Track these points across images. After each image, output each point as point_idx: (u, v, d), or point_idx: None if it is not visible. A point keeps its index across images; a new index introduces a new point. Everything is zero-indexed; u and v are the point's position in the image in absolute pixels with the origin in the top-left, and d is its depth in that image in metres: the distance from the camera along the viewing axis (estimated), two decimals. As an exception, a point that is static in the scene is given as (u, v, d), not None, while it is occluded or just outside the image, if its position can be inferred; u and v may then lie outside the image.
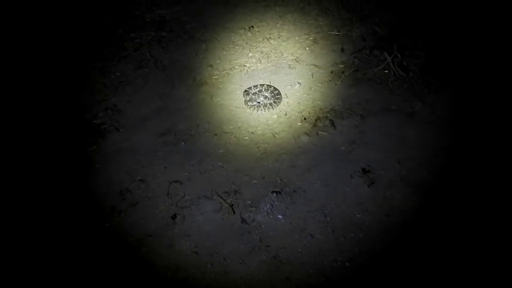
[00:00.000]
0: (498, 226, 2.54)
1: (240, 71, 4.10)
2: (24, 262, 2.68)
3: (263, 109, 3.63)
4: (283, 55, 4.24)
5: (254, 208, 2.88)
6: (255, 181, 3.09)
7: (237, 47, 4.35)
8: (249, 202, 2.94)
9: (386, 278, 2.41)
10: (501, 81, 3.45)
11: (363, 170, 3.02)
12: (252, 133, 3.47)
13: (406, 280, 2.39)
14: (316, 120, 3.49)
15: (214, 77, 4.05)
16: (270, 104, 3.65)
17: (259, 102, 3.69)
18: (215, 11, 4.79)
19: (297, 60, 4.15)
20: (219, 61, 4.20)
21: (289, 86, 3.87)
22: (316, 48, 4.29)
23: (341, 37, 4.37)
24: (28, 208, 2.99)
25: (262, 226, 2.78)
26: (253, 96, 3.74)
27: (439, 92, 3.59)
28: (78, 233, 2.84)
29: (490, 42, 3.75)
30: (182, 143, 3.43)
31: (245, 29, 4.49)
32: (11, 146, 3.40)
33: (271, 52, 4.27)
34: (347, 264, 2.51)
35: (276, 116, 3.61)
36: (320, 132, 3.39)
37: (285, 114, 3.61)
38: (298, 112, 3.60)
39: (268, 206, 2.86)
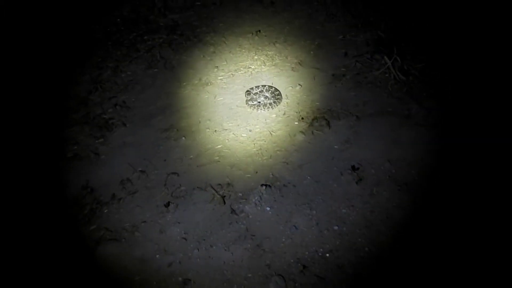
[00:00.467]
0: (481, 226, 2.55)
1: (245, 72, 4.25)
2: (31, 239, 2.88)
3: (263, 109, 3.76)
4: (287, 58, 4.37)
5: (244, 200, 2.99)
6: (249, 175, 3.20)
7: (243, 50, 4.51)
8: (240, 194, 3.05)
9: (365, 269, 2.45)
10: (496, 87, 3.45)
11: (353, 167, 3.08)
12: (250, 130, 3.59)
13: (384, 272, 2.42)
14: (313, 120, 3.58)
15: (219, 77, 4.22)
16: (270, 104, 3.77)
17: (259, 102, 3.82)
18: (225, 17, 5.00)
19: (301, 63, 4.27)
20: (225, 63, 4.38)
21: (290, 88, 3.98)
22: (320, 52, 4.40)
23: (345, 42, 4.46)
24: (32, 191, 3.21)
25: (250, 216, 2.89)
26: (254, 96, 3.87)
27: (436, 96, 3.61)
28: (77, 217, 3.03)
29: (487, 48, 3.75)
30: (183, 138, 3.59)
31: (252, 33, 4.66)
32: (22, 137, 3.66)
33: (275, 55, 4.41)
34: (327, 255, 2.57)
35: (275, 115, 3.72)
36: (315, 131, 3.48)
37: (284, 114, 3.72)
38: (296, 112, 3.71)
39: (256, 198, 2.96)
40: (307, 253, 2.61)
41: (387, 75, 3.93)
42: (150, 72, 4.35)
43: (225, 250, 2.70)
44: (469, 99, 3.49)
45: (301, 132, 3.49)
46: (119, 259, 2.74)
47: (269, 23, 4.84)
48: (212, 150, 3.46)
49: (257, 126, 3.63)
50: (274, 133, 3.54)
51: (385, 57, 3.92)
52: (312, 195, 2.97)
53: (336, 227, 2.73)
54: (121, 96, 4.09)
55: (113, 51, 4.60)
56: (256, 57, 4.41)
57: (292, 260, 2.58)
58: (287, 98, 3.89)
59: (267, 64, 4.33)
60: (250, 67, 4.31)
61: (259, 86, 3.96)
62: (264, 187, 3.02)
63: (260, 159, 3.32)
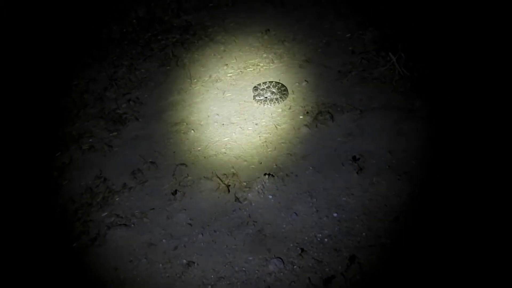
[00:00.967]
0: (479, 215, 2.59)
1: (253, 70, 4.38)
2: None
3: (270, 104, 3.87)
4: (295, 56, 4.48)
5: (247, 189, 3.11)
6: (253, 166, 3.32)
7: (252, 48, 4.65)
8: (244, 183, 3.17)
9: (360, 252, 2.53)
10: (496, 83, 3.47)
11: (354, 158, 3.16)
12: (256, 124, 3.71)
13: (379, 255, 2.49)
14: (318, 114, 3.67)
15: (228, 75, 4.37)
16: (277, 99, 3.89)
17: (266, 97, 3.93)
18: (236, 17, 5.15)
19: (308, 60, 4.38)
20: (234, 60, 4.52)
21: (297, 84, 4.09)
22: (327, 50, 4.49)
23: (353, 40, 4.54)
24: (47, 180, 3.41)
25: (253, 204, 3.00)
26: (261, 92, 3.99)
27: (440, 91, 3.65)
28: (89, 205, 3.21)
29: (489, 45, 3.77)
30: (192, 131, 3.74)
31: (262, 32, 4.79)
32: (41, 131, 3.88)
33: (284, 53, 4.53)
34: (325, 240, 2.66)
35: (280, 109, 3.83)
36: (319, 124, 3.57)
37: (289, 108, 3.82)
38: (302, 107, 3.81)
39: (259, 187, 3.07)
40: (306, 238, 2.70)
41: (392, 71, 3.99)
42: (163, 70, 4.54)
43: (228, 235, 2.82)
44: (470, 94, 3.52)
45: (306, 125, 3.59)
46: (128, 242, 2.90)
47: (279, 22, 4.96)
48: (219, 142, 3.59)
49: (263, 120, 3.75)
50: (279, 127, 3.64)
51: (390, 53, 3.99)
52: (313, 184, 3.06)
53: (335, 214, 2.81)
54: (135, 92, 4.29)
55: (128, 50, 4.81)
56: (264, 55, 4.54)
57: (291, 245, 2.68)
58: (293, 93, 3.99)
59: (275, 61, 4.45)
60: (259, 65, 4.44)
61: (266, 82, 4.08)
62: (267, 176, 3.13)
63: (264, 150, 3.43)
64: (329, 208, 2.86)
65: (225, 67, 4.46)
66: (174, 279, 2.62)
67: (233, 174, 3.26)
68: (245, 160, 3.38)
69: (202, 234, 2.85)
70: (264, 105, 3.89)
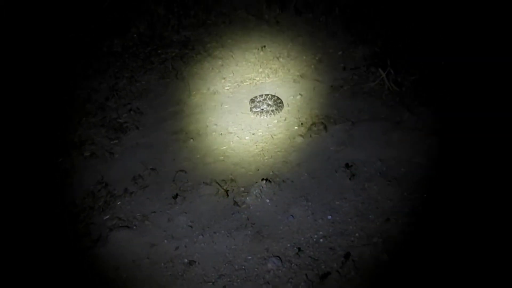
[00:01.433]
0: (464, 214, 2.77)
1: (250, 83, 4.59)
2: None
3: (266, 115, 4.06)
4: (289, 71, 4.71)
5: (245, 193, 3.25)
6: (251, 172, 3.47)
7: (249, 64, 4.87)
8: (242, 188, 3.31)
9: (354, 250, 2.67)
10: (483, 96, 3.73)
11: (346, 165, 3.34)
12: (253, 134, 3.88)
13: (372, 252, 2.64)
14: (311, 125, 3.86)
15: (226, 87, 4.56)
16: (272, 111, 4.08)
17: (262, 109, 4.12)
18: (233, 34, 5.39)
19: (302, 76, 4.60)
20: (232, 74, 4.72)
21: (292, 97, 4.29)
22: (320, 66, 4.73)
23: (344, 57, 4.80)
24: (49, 185, 3.51)
25: (251, 207, 3.14)
26: (258, 104, 4.18)
27: (427, 105, 3.88)
28: (93, 208, 3.31)
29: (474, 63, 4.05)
30: (191, 140, 3.89)
31: (258, 48, 5.02)
32: (44, 137, 4.00)
33: (279, 68, 4.75)
34: (321, 240, 2.80)
35: (276, 121, 4.02)
36: (313, 134, 3.76)
37: (285, 120, 4.01)
38: (297, 118, 4.00)
39: (257, 191, 3.21)
40: (302, 238, 2.84)
41: (381, 86, 4.23)
42: (162, 82, 4.72)
43: (228, 236, 2.94)
44: (458, 106, 3.76)
45: (300, 135, 3.77)
46: (130, 243, 3.00)
47: (274, 40, 5.21)
48: (217, 150, 3.74)
49: (259, 130, 3.92)
50: (275, 136, 3.82)
51: (380, 69, 4.23)
52: (308, 189, 3.22)
53: (329, 217, 2.96)
54: (135, 102, 4.44)
55: (129, 63, 4.99)
56: (260, 70, 4.76)
57: (288, 245, 2.81)
58: (288, 106, 4.19)
59: (270, 76, 4.66)
60: (255, 79, 4.64)
61: (262, 95, 4.28)
62: (264, 181, 3.28)
63: (261, 158, 3.59)
64: (324, 211, 3.02)
65: (223, 81, 4.65)
66: (175, 277, 2.72)
67: (231, 180, 3.41)
68: (243, 167, 3.53)
69: (203, 235, 2.97)
70: (260, 116, 4.07)
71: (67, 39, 5.06)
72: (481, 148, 3.22)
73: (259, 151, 3.68)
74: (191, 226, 3.06)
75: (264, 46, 5.02)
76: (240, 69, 4.81)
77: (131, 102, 4.44)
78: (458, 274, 2.44)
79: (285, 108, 4.16)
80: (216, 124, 4.06)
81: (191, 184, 3.43)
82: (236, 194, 3.27)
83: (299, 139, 3.73)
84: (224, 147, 3.77)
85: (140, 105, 4.41)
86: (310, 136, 3.75)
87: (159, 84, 4.69)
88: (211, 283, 2.64)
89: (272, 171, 3.44)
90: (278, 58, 4.90)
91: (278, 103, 4.16)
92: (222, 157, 3.66)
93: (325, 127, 3.80)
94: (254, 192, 3.21)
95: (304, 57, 4.90)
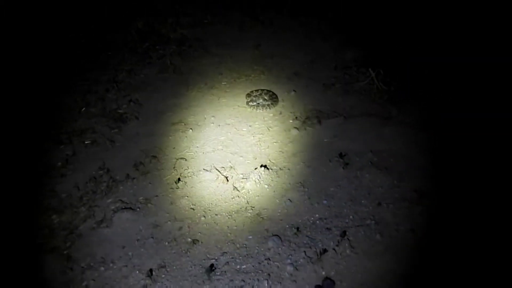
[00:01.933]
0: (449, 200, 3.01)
1: (245, 79, 4.78)
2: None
3: (262, 109, 4.25)
4: (283, 69, 4.92)
5: (245, 179, 3.42)
6: (248, 161, 3.64)
7: (245, 61, 5.06)
8: (241, 175, 3.48)
9: (349, 229, 2.87)
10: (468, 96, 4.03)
11: (340, 154, 3.55)
12: (250, 126, 4.06)
13: (366, 234, 2.84)
14: (306, 118, 4.07)
15: (223, 83, 4.73)
16: (268, 105, 4.27)
17: (258, 103, 4.31)
18: (230, 33, 5.59)
19: (296, 74, 4.82)
20: (228, 71, 4.91)
21: (286, 93, 4.50)
22: (313, 65, 4.97)
23: (336, 57, 5.04)
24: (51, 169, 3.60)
25: (250, 192, 3.30)
26: (254, 98, 4.36)
27: (414, 103, 4.15)
28: (94, 193, 3.41)
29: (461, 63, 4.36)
30: (190, 130, 4.04)
31: (253, 47, 5.22)
32: (46, 126, 4.08)
33: (273, 66, 4.96)
34: (317, 222, 2.99)
35: (272, 114, 4.21)
36: (307, 127, 3.96)
37: (280, 113, 4.21)
38: (291, 112, 4.20)
39: (256, 177, 3.38)
40: (300, 220, 3.02)
41: (371, 85, 4.48)
42: (161, 76, 4.85)
43: (228, 218, 3.10)
44: (444, 104, 4.04)
45: (295, 128, 3.97)
46: (134, 224, 3.11)
47: (269, 40, 5.43)
48: (216, 140, 3.90)
49: (256, 123, 4.10)
50: (271, 128, 4.00)
51: (370, 69, 4.48)
52: (304, 176, 3.41)
53: (325, 201, 3.16)
54: (134, 94, 4.56)
55: (129, 57, 5.11)
56: (255, 67, 4.96)
57: (287, 225, 2.99)
58: (283, 101, 4.39)
59: (265, 73, 4.87)
60: (250, 75, 4.84)
61: (258, 90, 4.46)
62: (263, 168, 3.45)
63: (258, 148, 3.77)
64: (320, 196, 3.21)
65: (220, 76, 4.82)
66: (180, 254, 2.85)
67: (231, 167, 3.57)
68: (241, 156, 3.69)
69: (204, 217, 3.12)
70: (256, 110, 4.25)
71: (68, 33, 5.17)
72: (465, 142, 3.50)
73: (256, 141, 3.85)
74: (193, 209, 3.20)
75: (259, 45, 5.23)
76: (236, 66, 5.00)
77: (131, 94, 4.56)
78: (441, 249, 2.67)
79: (280, 103, 4.35)
80: (214, 116, 4.22)
81: (192, 171, 3.57)
82: (235, 180, 3.43)
83: (295, 131, 3.92)
84: (223, 138, 3.93)
85: (140, 97, 4.53)
86: (305, 128, 3.95)
87: (158, 78, 4.82)
88: (214, 260, 2.79)
89: (269, 160, 3.62)
90: (272, 57, 5.11)
91: (273, 98, 4.35)
92: (220, 147, 3.82)
93: (319, 121, 4.01)
94: (253, 178, 3.38)
95: (297, 57, 5.13)
